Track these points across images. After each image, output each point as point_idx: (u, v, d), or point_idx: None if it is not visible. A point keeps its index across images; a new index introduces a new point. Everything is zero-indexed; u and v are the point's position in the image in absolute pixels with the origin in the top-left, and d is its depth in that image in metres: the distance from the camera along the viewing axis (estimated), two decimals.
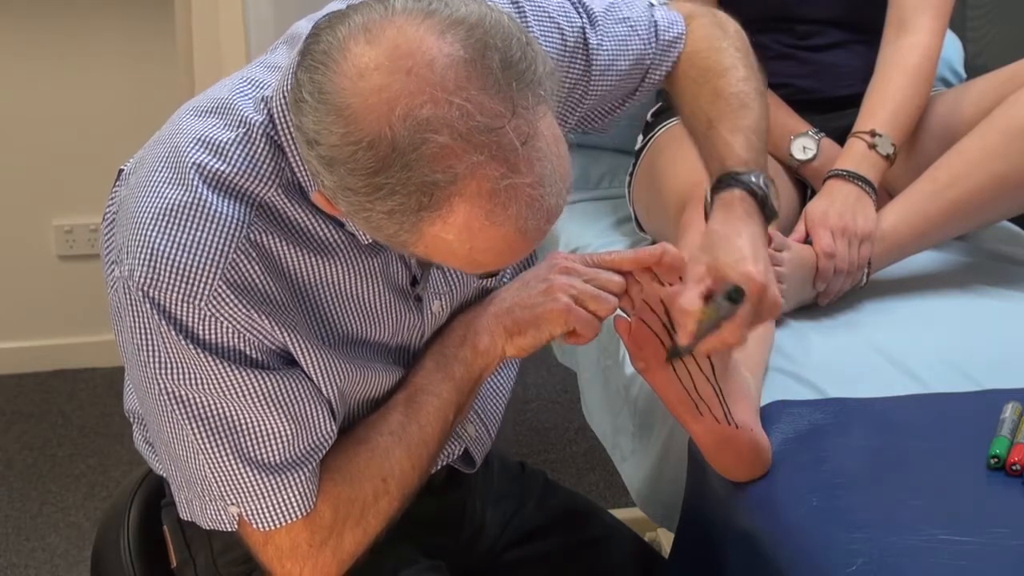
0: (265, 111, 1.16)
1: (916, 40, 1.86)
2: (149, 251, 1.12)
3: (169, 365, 1.15)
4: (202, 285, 1.12)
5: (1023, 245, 1.97)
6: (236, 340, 1.14)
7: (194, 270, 1.12)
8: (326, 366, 1.20)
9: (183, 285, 1.12)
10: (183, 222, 1.12)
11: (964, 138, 1.78)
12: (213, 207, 1.13)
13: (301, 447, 1.20)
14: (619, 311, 1.30)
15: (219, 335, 1.14)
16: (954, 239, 1.90)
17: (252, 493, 1.19)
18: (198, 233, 1.12)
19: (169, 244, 1.12)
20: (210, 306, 1.12)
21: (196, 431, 1.17)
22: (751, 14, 1.71)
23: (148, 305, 1.13)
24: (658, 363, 1.30)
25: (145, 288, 1.12)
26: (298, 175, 1.16)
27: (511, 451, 2.42)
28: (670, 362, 1.29)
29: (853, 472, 1.39)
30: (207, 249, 1.12)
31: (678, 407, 1.32)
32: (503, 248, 1.06)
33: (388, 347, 1.27)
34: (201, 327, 1.13)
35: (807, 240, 1.73)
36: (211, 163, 1.14)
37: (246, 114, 1.16)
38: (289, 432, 1.18)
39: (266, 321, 1.15)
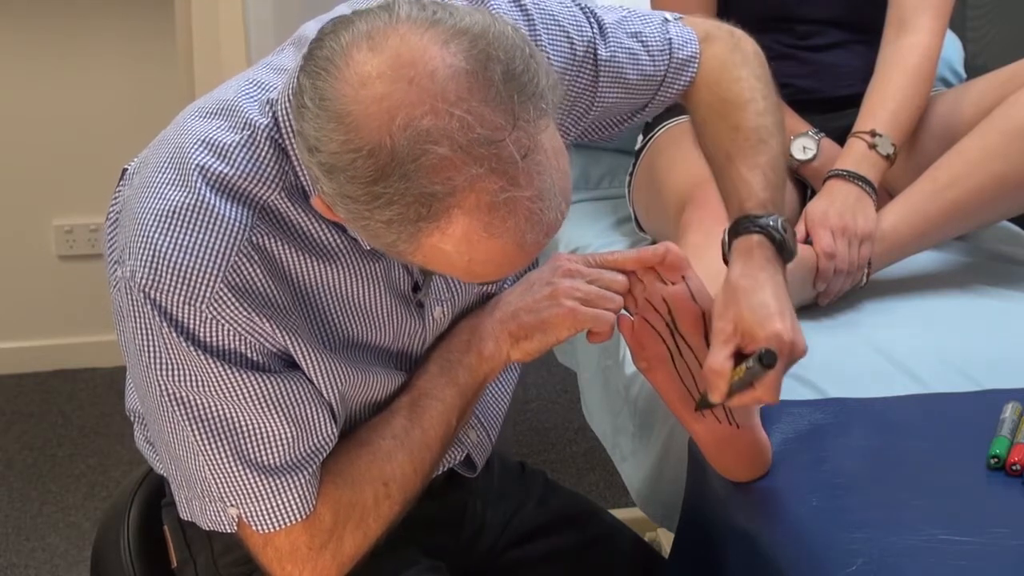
0: (270, 114, 1.16)
1: (916, 40, 1.86)
2: (151, 252, 1.12)
3: (170, 366, 1.15)
4: (204, 287, 1.12)
5: (1023, 245, 1.97)
6: (237, 342, 1.14)
7: (196, 272, 1.12)
8: (327, 369, 1.20)
9: (185, 287, 1.12)
10: (186, 224, 1.12)
11: (964, 138, 1.78)
12: (216, 210, 1.13)
13: (301, 450, 1.19)
14: (622, 310, 1.31)
15: (220, 337, 1.14)
16: (954, 239, 1.90)
17: (252, 495, 1.19)
18: (200, 235, 1.12)
19: (171, 246, 1.12)
20: (211, 308, 1.12)
21: (196, 432, 1.17)
22: (751, 14, 1.71)
23: (149, 306, 1.13)
24: (660, 362, 1.31)
25: (147, 289, 1.12)
26: (302, 179, 1.16)
27: (511, 451, 2.42)
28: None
29: (853, 472, 1.39)
30: (209, 252, 1.12)
31: (679, 406, 1.32)
32: (501, 260, 1.06)
33: (389, 351, 1.27)
34: (202, 329, 1.13)
35: (807, 240, 1.73)
36: (215, 165, 1.14)
37: (251, 117, 1.16)
38: (289, 435, 1.18)
39: (267, 324, 1.15)
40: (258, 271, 1.14)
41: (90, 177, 3.03)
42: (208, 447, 1.17)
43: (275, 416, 1.17)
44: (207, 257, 1.12)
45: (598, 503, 1.63)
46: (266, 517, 1.20)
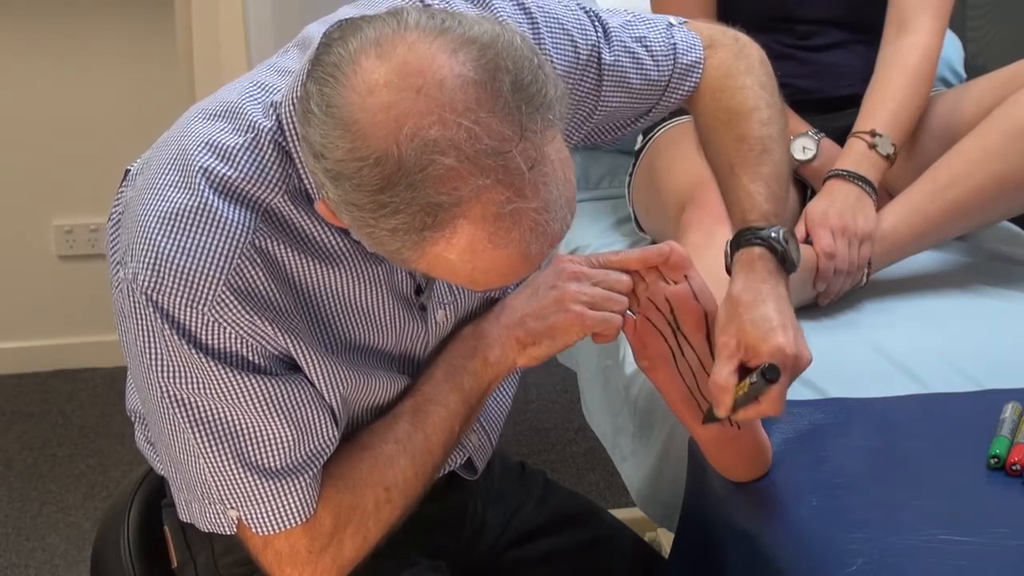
0: (274, 117, 1.16)
1: (916, 40, 1.86)
2: (154, 255, 1.12)
3: (171, 368, 1.15)
4: (206, 290, 1.12)
5: (1023, 245, 1.97)
6: (239, 345, 1.14)
7: (198, 275, 1.11)
8: (329, 372, 1.20)
9: (187, 290, 1.11)
10: (188, 226, 1.12)
11: (964, 138, 1.78)
12: (219, 212, 1.13)
13: (302, 453, 1.19)
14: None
15: (222, 340, 1.13)
16: (954, 239, 1.90)
17: (252, 498, 1.19)
18: (203, 238, 1.12)
19: (174, 248, 1.12)
20: (213, 311, 1.12)
21: (197, 434, 1.17)
22: (751, 14, 1.71)
23: (151, 308, 1.12)
24: (662, 362, 1.31)
25: (149, 292, 1.12)
26: (305, 182, 1.16)
27: (511, 451, 2.41)
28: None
29: (853, 472, 1.39)
30: (212, 254, 1.12)
31: (680, 406, 1.32)
32: (505, 270, 1.06)
33: (392, 355, 1.27)
34: (204, 332, 1.13)
35: (807, 240, 1.73)
36: (218, 168, 1.14)
37: (255, 119, 1.16)
38: (290, 437, 1.18)
39: (269, 327, 1.15)
40: (260, 274, 1.14)
41: (90, 177, 3.04)
42: (208, 449, 1.17)
43: (276, 419, 1.17)
44: (209, 259, 1.12)
45: (598, 503, 1.63)
46: (266, 520, 1.20)
